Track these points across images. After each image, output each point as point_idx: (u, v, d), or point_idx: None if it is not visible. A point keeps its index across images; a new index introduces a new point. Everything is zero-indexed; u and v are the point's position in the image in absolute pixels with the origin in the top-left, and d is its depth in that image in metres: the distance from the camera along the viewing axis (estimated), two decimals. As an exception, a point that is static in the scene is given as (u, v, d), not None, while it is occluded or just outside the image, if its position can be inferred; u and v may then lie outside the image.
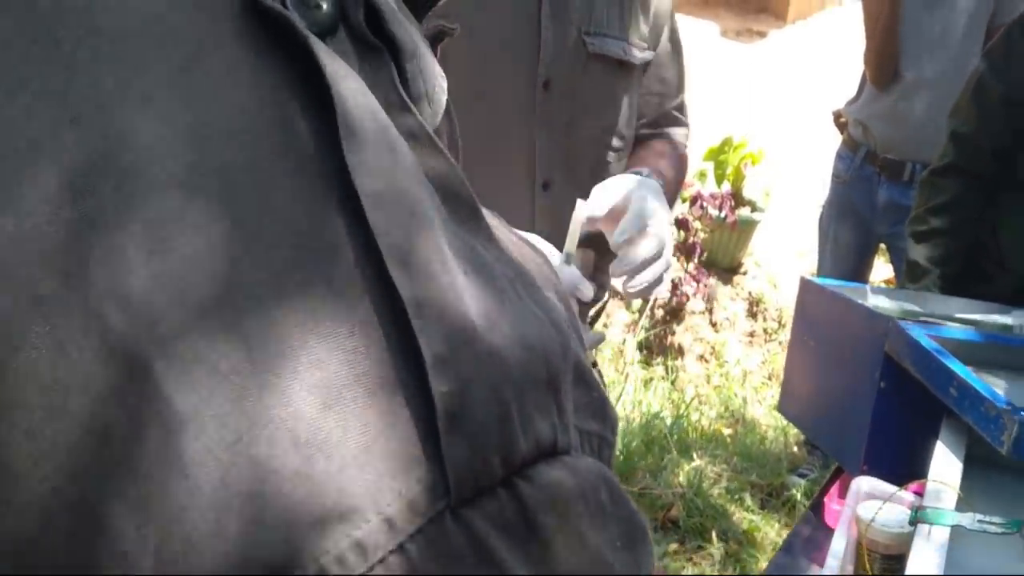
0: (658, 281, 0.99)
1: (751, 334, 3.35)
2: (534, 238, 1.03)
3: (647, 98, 1.20)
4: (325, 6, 0.30)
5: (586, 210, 0.96)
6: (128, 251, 0.25)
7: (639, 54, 1.13)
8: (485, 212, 0.42)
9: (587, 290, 0.94)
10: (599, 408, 0.36)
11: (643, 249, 0.96)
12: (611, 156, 1.15)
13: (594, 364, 1.19)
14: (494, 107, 1.05)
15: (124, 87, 0.27)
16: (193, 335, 0.25)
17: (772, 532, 2.35)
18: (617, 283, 0.99)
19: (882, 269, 3.42)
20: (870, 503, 0.99)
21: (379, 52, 0.32)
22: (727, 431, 2.89)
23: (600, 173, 1.14)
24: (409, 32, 0.33)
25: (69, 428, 0.24)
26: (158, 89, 0.27)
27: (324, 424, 0.25)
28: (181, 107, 0.27)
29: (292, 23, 0.28)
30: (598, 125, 1.12)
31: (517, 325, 0.29)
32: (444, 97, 0.36)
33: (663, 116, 1.22)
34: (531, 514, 0.28)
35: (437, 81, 0.35)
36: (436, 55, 0.43)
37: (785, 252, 3.72)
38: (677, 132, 1.25)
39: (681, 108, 1.24)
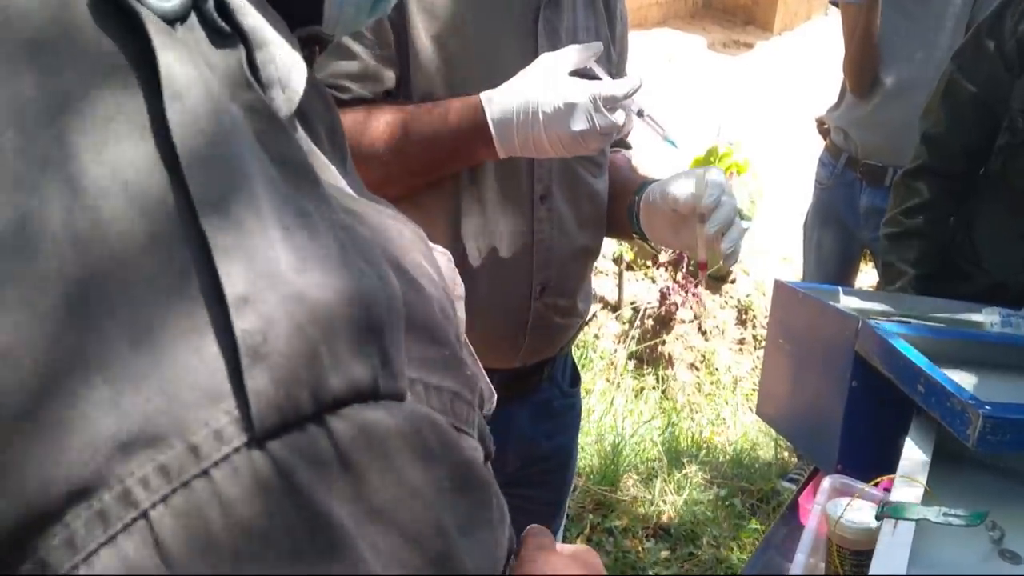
0: (740, 239, 1.06)
1: (741, 342, 3.36)
2: None
3: None
4: None
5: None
6: None
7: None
8: (371, 200, 0.44)
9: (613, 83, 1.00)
10: (452, 366, 0.37)
11: (727, 211, 1.03)
12: (596, 171, 1.20)
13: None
14: None
15: None
16: (22, 284, 0.28)
17: (762, 537, 2.35)
18: (704, 246, 1.05)
19: (871, 273, 3.43)
20: (839, 500, 1.00)
21: (229, 37, 0.35)
22: (718, 438, 2.89)
23: (589, 186, 1.19)
24: (261, 24, 0.36)
25: None
26: (3, 67, 0.31)
27: (134, 360, 0.27)
28: (30, 83, 0.31)
29: (130, 5, 0.32)
30: None
31: (334, 275, 0.31)
32: (301, 87, 0.39)
33: (618, 141, 1.29)
34: (343, 449, 0.29)
35: (294, 72, 0.38)
36: (315, 54, 0.47)
37: (773, 259, 3.74)
38: (628, 153, 1.33)
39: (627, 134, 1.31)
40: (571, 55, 0.99)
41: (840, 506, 0.98)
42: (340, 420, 0.29)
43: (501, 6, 1.07)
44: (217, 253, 0.29)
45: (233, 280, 0.28)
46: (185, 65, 0.31)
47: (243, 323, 0.28)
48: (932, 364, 1.07)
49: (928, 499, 0.96)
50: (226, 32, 0.34)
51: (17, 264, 0.28)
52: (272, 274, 0.29)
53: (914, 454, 1.05)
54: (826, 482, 1.07)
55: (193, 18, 0.33)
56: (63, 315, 0.27)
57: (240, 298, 0.28)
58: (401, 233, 0.42)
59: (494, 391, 0.52)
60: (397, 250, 0.40)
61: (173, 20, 0.33)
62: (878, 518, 0.93)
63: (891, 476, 1.02)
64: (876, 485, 1.05)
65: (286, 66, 0.37)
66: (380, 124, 1.02)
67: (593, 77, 1.04)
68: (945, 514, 0.91)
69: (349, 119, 1.02)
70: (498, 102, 0.99)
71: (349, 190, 0.42)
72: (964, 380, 1.12)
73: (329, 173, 0.41)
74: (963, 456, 1.06)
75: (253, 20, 0.36)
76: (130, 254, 0.28)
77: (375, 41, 1.04)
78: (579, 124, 0.96)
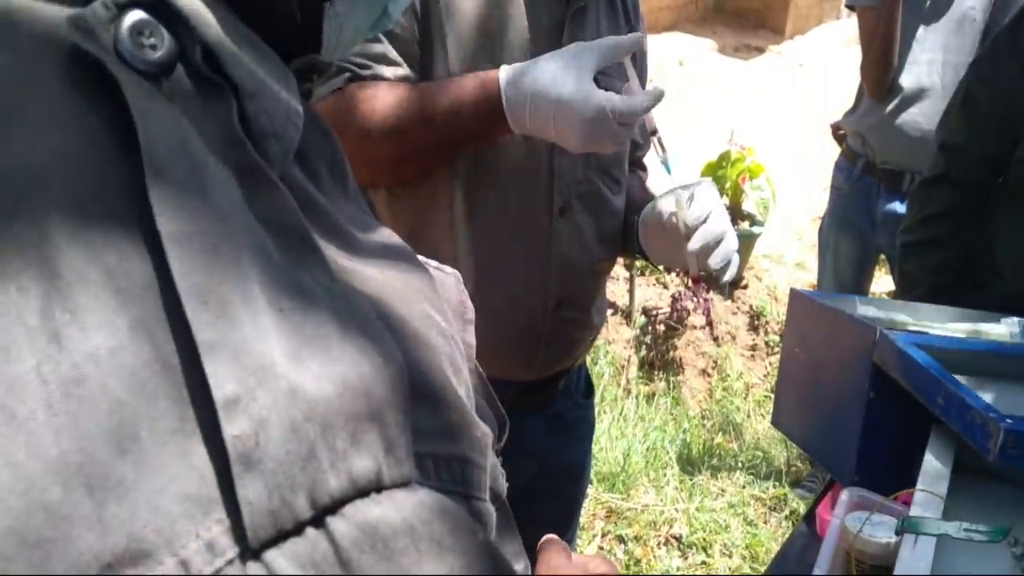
0: (732, 254, 1.08)
1: (752, 347, 3.34)
2: None
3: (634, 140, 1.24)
4: (159, 47, 0.31)
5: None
6: None
7: None
8: (374, 238, 0.42)
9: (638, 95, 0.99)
10: (461, 429, 0.36)
11: (714, 226, 1.05)
12: (615, 188, 1.19)
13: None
14: (517, 136, 1.07)
15: None
16: None
17: (775, 546, 2.33)
18: (695, 261, 1.07)
19: (886, 280, 3.41)
20: (858, 513, 0.99)
21: (219, 88, 0.33)
22: (730, 445, 2.88)
23: (609, 202, 1.18)
24: (252, 73, 0.34)
25: None
26: None
27: (119, 468, 0.25)
28: (1, 152, 0.28)
29: (105, 65, 0.29)
30: (609, 156, 1.15)
31: (332, 360, 0.29)
32: (297, 133, 0.36)
33: (635, 160, 1.29)
34: (345, 553, 0.27)
35: (289, 119, 0.36)
36: (312, 84, 0.44)
37: (785, 265, 3.72)
38: (644, 175, 1.33)
39: (643, 155, 1.32)
40: (603, 49, 0.96)
41: (859, 520, 0.97)
42: (342, 521, 0.27)
43: (528, 20, 1.07)
44: (203, 350, 0.27)
45: (221, 380, 0.26)
46: (169, 133, 0.29)
47: (233, 428, 0.26)
48: (951, 376, 1.06)
49: (948, 514, 0.95)
50: (216, 82, 0.32)
51: None
52: (264, 369, 0.27)
53: (933, 467, 1.04)
54: (844, 495, 1.06)
55: (180, 70, 0.31)
56: (41, 420, 0.25)
57: (229, 400, 0.26)
58: (407, 283, 0.40)
59: (507, 418, 0.51)
60: (402, 305, 0.38)
61: (158, 75, 0.31)
62: (898, 533, 0.92)
63: (910, 490, 1.01)
64: (895, 499, 1.04)
65: (280, 114, 0.35)
66: (392, 99, 1.00)
67: (622, 75, 1.02)
68: (966, 529, 0.90)
69: (365, 93, 1.00)
70: (516, 82, 0.96)
71: (352, 230, 0.40)
72: (984, 392, 1.11)
73: (328, 221, 0.39)
74: (983, 469, 1.05)
75: (243, 69, 0.33)
76: (111, 349, 0.26)
77: (399, 55, 1.03)
78: (590, 132, 0.95)
